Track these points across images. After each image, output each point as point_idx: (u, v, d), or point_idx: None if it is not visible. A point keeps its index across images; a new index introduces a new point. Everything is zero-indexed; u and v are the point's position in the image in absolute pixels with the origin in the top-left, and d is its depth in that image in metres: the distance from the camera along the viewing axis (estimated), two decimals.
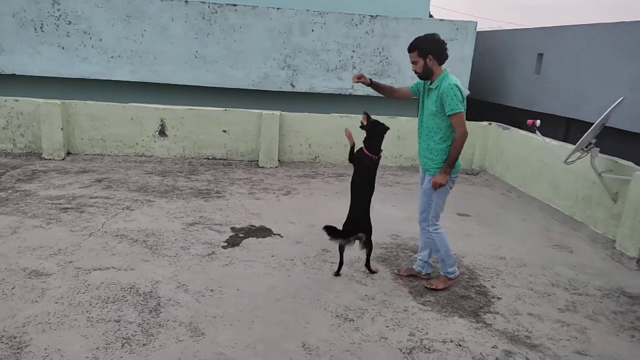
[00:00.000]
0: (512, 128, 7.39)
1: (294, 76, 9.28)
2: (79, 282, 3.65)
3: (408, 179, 7.25)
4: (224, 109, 7.60)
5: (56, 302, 3.36)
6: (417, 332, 3.27)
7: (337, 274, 4.04)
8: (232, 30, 8.94)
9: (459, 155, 3.62)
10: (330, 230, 3.83)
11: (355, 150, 3.94)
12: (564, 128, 8.45)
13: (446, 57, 3.65)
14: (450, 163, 3.62)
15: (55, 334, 3.02)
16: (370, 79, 3.94)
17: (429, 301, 3.70)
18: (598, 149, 4.98)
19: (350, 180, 4.02)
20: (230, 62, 9.09)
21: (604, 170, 5.13)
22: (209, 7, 8.80)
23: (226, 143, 7.59)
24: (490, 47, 10.83)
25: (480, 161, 7.95)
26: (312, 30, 9.10)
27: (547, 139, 6.01)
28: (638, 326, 3.53)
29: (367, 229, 3.96)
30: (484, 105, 10.91)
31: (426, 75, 3.66)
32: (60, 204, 5.29)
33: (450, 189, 3.79)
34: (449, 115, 3.55)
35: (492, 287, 4.00)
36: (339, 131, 7.85)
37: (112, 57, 8.89)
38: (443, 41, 3.63)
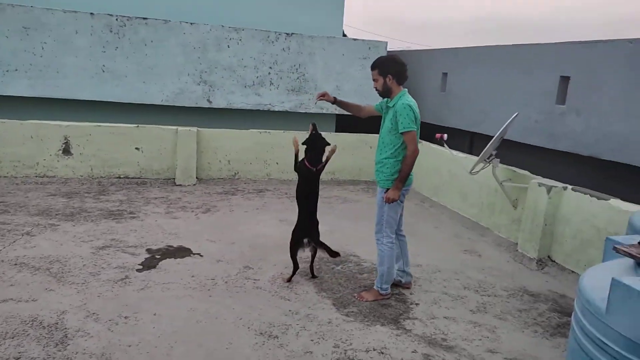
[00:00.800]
0: (424, 142, 7.81)
1: (211, 92, 9.12)
2: None
3: (328, 193, 7.37)
4: (135, 125, 7.27)
5: None
6: (341, 344, 3.30)
7: (289, 280, 4.21)
8: (143, 44, 8.61)
9: (410, 171, 3.79)
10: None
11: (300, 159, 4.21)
12: (468, 141, 9.08)
13: (405, 78, 3.85)
14: (401, 178, 3.77)
15: None
16: (334, 97, 4.14)
17: (352, 312, 3.77)
18: (498, 159, 5.41)
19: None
20: (141, 77, 8.72)
21: (504, 179, 5.58)
22: (116, 19, 8.42)
23: (139, 161, 7.25)
24: None
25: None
26: (228, 46, 9.03)
27: (454, 152, 6.43)
28: (540, 322, 3.84)
29: (313, 234, 4.18)
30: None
31: (385, 93, 3.87)
32: None
33: (402, 202, 3.96)
34: (401, 133, 3.72)
35: (411, 293, 4.16)
36: (259, 147, 7.85)
37: (7, 70, 8.16)
38: (403, 63, 3.84)
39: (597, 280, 2.17)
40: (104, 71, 8.53)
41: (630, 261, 2.18)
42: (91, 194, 6.45)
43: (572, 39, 6.61)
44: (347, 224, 5.87)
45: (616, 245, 2.22)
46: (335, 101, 4.16)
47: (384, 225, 3.92)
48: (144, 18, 8.55)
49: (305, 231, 4.18)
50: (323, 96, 4.12)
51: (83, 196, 6.30)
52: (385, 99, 3.96)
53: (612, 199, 4.47)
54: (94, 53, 8.43)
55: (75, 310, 3.48)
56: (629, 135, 5.67)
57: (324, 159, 4.22)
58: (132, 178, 7.24)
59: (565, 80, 6.56)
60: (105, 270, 4.17)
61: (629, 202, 4.39)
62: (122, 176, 7.22)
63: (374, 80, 3.87)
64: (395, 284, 4.20)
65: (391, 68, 3.78)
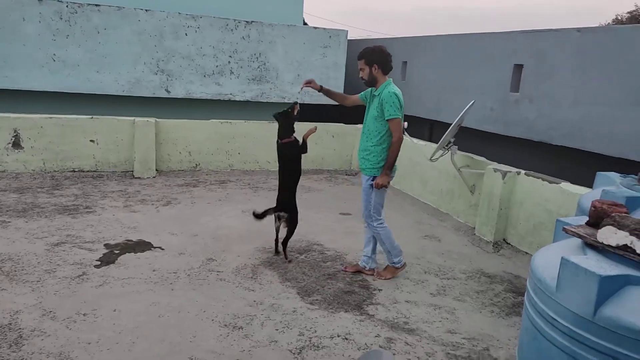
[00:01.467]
0: None
1: (169, 81, 8.91)
2: None
3: None
4: (90, 116, 7.01)
5: None
6: (306, 332, 3.33)
7: (276, 252, 4.52)
8: (96, 32, 8.30)
9: (397, 157, 3.94)
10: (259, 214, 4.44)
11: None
12: (428, 129, 9.26)
13: (390, 68, 3.99)
14: (389, 165, 3.94)
15: None
16: (320, 86, 4.25)
17: (317, 300, 3.80)
18: (456, 147, 5.55)
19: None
20: (95, 67, 8.42)
21: (462, 165, 5.73)
22: (67, 6, 8.06)
23: (95, 154, 7.01)
24: None
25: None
26: (186, 34, 8.82)
27: (415, 140, 6.54)
28: (496, 302, 4.00)
29: (287, 209, 4.39)
30: (358, 109, 11.50)
31: (371, 82, 3.98)
32: None
33: (387, 187, 4.10)
34: (387, 120, 3.85)
35: (374, 280, 4.23)
36: (220, 138, 7.73)
37: None
38: (388, 53, 3.97)
39: (547, 260, 2.27)
40: (54, 60, 8.18)
41: (579, 241, 2.28)
42: (44, 188, 6.20)
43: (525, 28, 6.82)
44: (311, 213, 5.89)
45: (565, 227, 2.33)
46: (321, 89, 4.28)
47: (372, 210, 4.06)
48: (97, 5, 8.22)
49: (278, 204, 4.41)
50: (309, 83, 4.20)
51: (35, 191, 6.05)
52: (370, 89, 4.07)
53: (562, 183, 4.67)
54: (43, 41, 8.06)
55: (30, 309, 3.36)
56: (578, 122, 5.93)
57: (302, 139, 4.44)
58: (88, 171, 7.00)
59: (519, 68, 6.77)
60: (61, 267, 4.03)
61: (579, 185, 4.61)
62: (76, 170, 6.97)
63: (360, 69, 3.97)
64: (359, 271, 4.27)
65: (377, 58, 3.91)
